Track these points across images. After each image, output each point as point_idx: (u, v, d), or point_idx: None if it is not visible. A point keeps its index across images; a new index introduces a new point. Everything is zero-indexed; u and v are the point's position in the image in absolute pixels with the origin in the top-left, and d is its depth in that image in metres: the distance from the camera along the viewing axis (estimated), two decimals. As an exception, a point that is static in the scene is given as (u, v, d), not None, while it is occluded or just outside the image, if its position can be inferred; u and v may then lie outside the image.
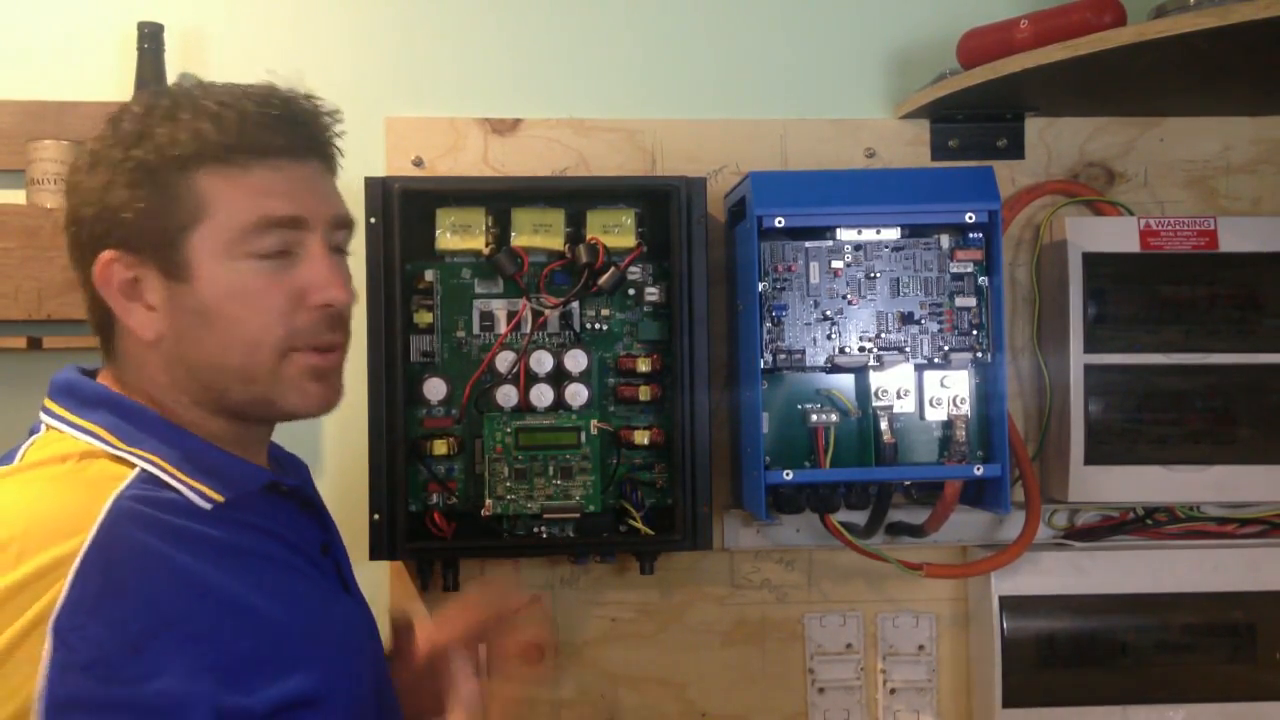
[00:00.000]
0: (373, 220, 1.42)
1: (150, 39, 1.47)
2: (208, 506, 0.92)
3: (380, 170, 1.53)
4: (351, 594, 1.08)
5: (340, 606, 1.03)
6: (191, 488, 0.91)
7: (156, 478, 0.90)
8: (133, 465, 0.90)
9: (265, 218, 0.93)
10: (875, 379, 1.39)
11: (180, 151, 0.92)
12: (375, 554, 1.41)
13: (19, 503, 0.86)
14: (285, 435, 1.50)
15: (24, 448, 0.93)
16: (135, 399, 0.95)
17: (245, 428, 0.99)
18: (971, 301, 1.39)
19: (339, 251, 1.00)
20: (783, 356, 1.37)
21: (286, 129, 0.95)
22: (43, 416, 0.95)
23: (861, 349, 1.38)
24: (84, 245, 0.95)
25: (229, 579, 0.89)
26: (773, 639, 1.58)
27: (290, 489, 1.02)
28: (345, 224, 1.01)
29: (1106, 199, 1.59)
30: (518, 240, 1.46)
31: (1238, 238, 1.50)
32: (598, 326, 1.50)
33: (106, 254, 0.94)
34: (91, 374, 0.99)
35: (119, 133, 0.94)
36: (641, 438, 1.45)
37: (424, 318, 1.46)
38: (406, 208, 1.42)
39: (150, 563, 0.85)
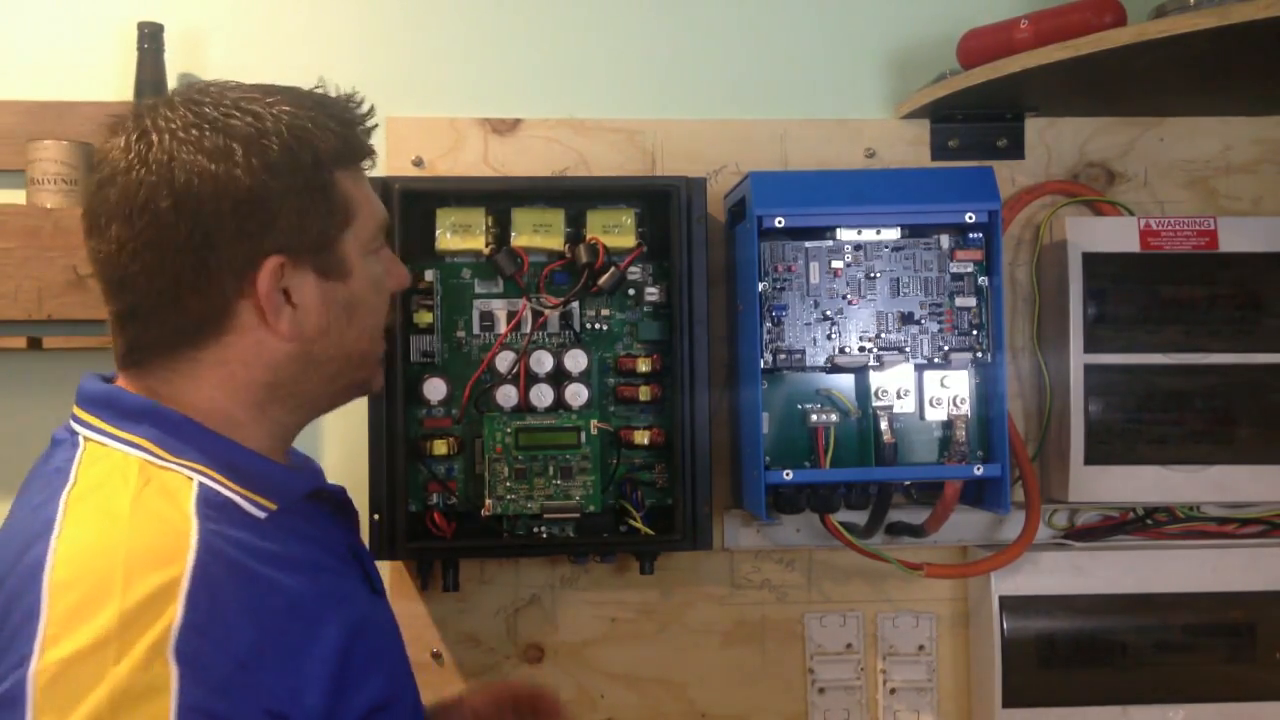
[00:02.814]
0: (373, 220, 1.42)
1: (150, 39, 1.47)
2: (262, 516, 0.91)
3: (380, 170, 1.52)
4: (379, 595, 1.07)
5: (376, 608, 1.02)
6: (245, 497, 0.90)
7: (212, 489, 0.89)
8: (186, 478, 0.89)
9: (385, 221, 1.03)
10: (875, 379, 1.39)
11: (329, 155, 0.94)
12: (376, 554, 1.41)
13: (110, 532, 0.84)
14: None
15: (75, 465, 0.90)
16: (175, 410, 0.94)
17: (286, 434, 1.00)
18: (971, 301, 1.39)
19: None
20: (783, 356, 1.37)
21: (368, 136, 1.01)
22: (80, 429, 0.93)
23: (861, 349, 1.38)
24: (214, 247, 0.89)
25: (305, 589, 0.88)
26: (773, 639, 1.58)
27: (330, 493, 1.03)
28: None
29: (1106, 199, 1.59)
30: (518, 240, 1.46)
31: (1238, 238, 1.50)
32: (598, 326, 1.50)
33: (278, 259, 0.91)
34: (110, 380, 0.97)
35: (289, 137, 0.92)
36: (641, 438, 1.45)
37: (424, 318, 1.46)
38: (406, 208, 1.42)
39: (244, 581, 0.84)
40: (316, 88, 0.99)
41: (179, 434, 0.91)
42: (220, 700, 0.79)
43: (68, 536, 0.83)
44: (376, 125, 1.01)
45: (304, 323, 0.94)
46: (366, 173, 1.02)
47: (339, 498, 1.06)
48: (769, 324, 1.38)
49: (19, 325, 1.45)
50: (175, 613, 0.79)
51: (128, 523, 0.84)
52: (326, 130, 0.94)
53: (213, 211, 0.89)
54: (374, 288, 1.00)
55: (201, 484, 0.89)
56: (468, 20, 1.58)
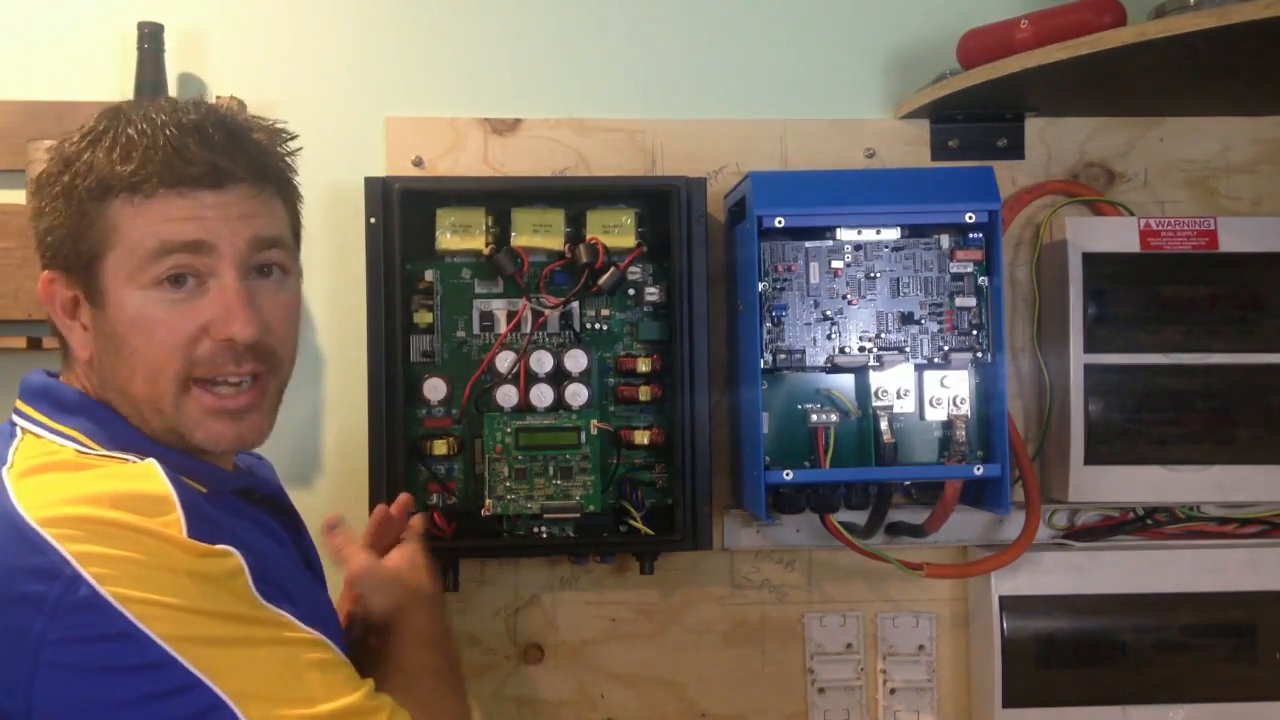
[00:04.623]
0: (373, 220, 1.42)
1: (150, 39, 1.47)
2: (204, 490, 0.94)
3: (380, 170, 1.53)
4: (322, 587, 1.11)
5: (320, 593, 1.06)
6: (178, 481, 0.92)
7: None
8: (120, 461, 0.92)
9: (164, 243, 0.92)
10: (875, 379, 1.39)
11: (95, 181, 0.93)
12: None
13: (78, 486, 0.86)
14: (284, 436, 1.51)
15: (11, 451, 0.92)
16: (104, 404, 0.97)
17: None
18: (971, 301, 1.39)
19: (264, 274, 0.98)
20: (783, 356, 1.37)
21: (200, 157, 0.93)
22: (19, 421, 0.96)
23: (861, 349, 1.38)
24: (40, 260, 0.98)
25: (254, 544, 0.92)
26: (773, 639, 1.58)
27: (263, 496, 1.04)
28: (268, 245, 0.97)
29: (1106, 199, 1.59)
30: (518, 240, 1.46)
31: (1238, 238, 1.50)
32: (598, 326, 1.50)
33: (46, 274, 0.97)
34: (56, 376, 1.00)
35: (61, 155, 0.96)
36: (641, 438, 1.46)
37: (424, 318, 1.46)
38: (406, 208, 1.42)
39: (212, 508, 0.91)
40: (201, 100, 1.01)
41: (111, 427, 0.94)
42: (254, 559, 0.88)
43: (32, 502, 0.85)
44: (229, 146, 0.96)
45: (91, 345, 0.96)
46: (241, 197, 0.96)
47: (275, 500, 1.07)
48: (769, 324, 1.37)
49: (19, 325, 1.45)
50: (179, 518, 0.85)
51: (93, 477, 0.88)
52: (103, 155, 0.93)
53: (30, 221, 0.98)
54: (136, 324, 0.93)
55: None
56: (468, 20, 1.58)
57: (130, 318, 0.93)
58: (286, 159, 1.02)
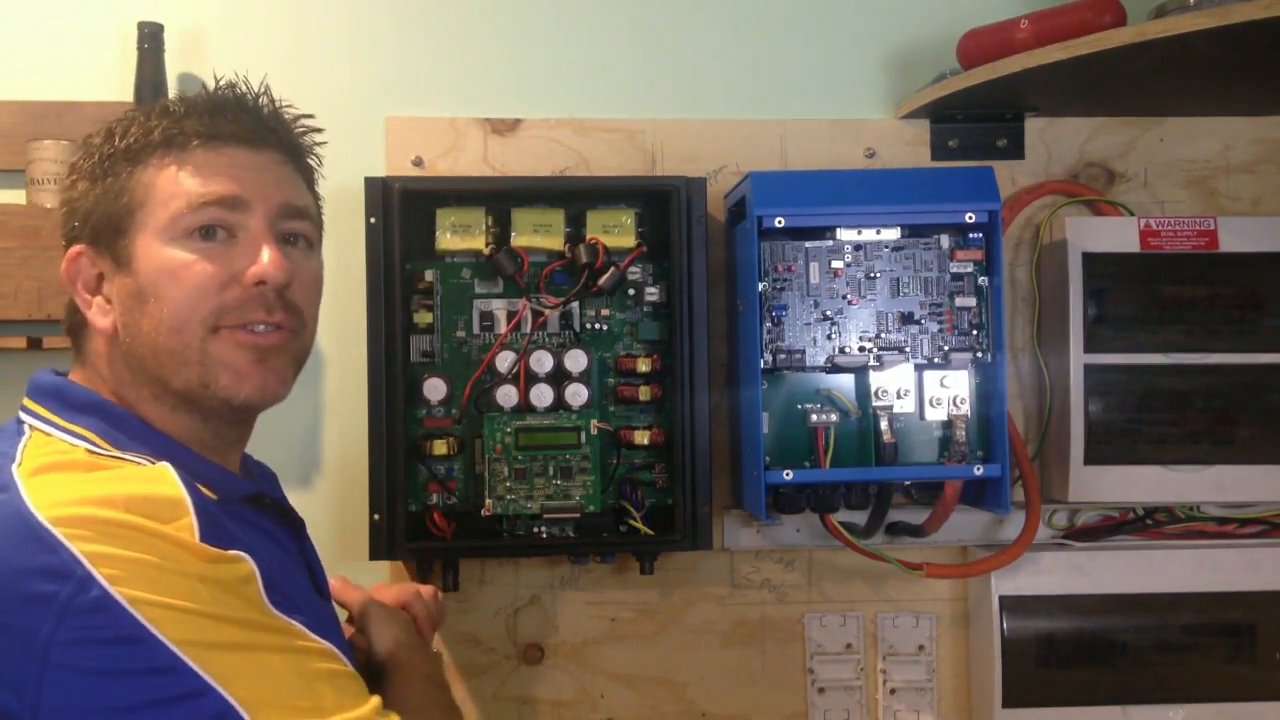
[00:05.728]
0: (373, 220, 1.42)
1: (150, 39, 1.47)
2: (215, 497, 0.93)
3: (380, 170, 1.53)
4: (325, 599, 1.10)
5: (321, 610, 1.05)
6: (191, 485, 0.91)
7: None
8: (135, 464, 0.91)
9: (200, 195, 0.94)
10: (875, 379, 1.39)
11: (132, 141, 0.95)
12: (375, 554, 1.41)
13: (92, 487, 0.86)
14: (284, 436, 1.51)
15: (20, 448, 0.91)
16: (116, 403, 0.97)
17: (213, 430, 0.99)
18: (971, 301, 1.39)
19: (291, 242, 0.99)
20: (783, 356, 1.37)
21: (236, 117, 0.97)
22: (27, 419, 0.95)
23: (861, 349, 1.38)
24: (64, 244, 0.98)
25: (263, 557, 0.92)
26: (773, 639, 1.58)
27: (272, 501, 1.04)
28: (297, 213, 0.99)
29: (1106, 199, 1.59)
30: (518, 240, 1.46)
31: (1238, 238, 1.50)
32: (598, 326, 1.50)
33: (72, 249, 0.97)
34: (64, 375, 1.00)
35: (98, 132, 0.98)
36: (641, 438, 1.45)
37: (424, 318, 1.46)
38: (406, 208, 1.42)
39: (223, 515, 0.91)
40: (224, 83, 1.01)
41: (123, 427, 0.94)
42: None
43: (44, 500, 0.84)
44: (261, 114, 0.99)
45: (113, 315, 0.96)
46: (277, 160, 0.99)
47: (282, 505, 1.07)
48: (769, 324, 1.38)
49: (19, 325, 1.45)
50: (192, 522, 0.85)
51: (106, 479, 0.87)
52: (141, 123, 0.96)
53: (60, 207, 1.00)
54: (164, 273, 0.93)
55: None
56: (468, 20, 1.58)
57: (159, 268, 0.93)
58: (313, 150, 1.05)
